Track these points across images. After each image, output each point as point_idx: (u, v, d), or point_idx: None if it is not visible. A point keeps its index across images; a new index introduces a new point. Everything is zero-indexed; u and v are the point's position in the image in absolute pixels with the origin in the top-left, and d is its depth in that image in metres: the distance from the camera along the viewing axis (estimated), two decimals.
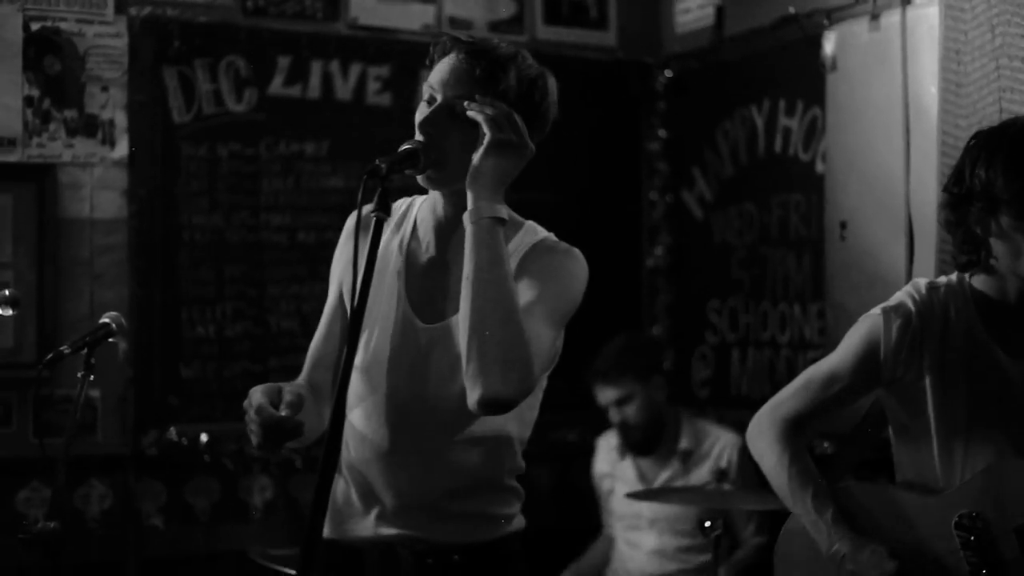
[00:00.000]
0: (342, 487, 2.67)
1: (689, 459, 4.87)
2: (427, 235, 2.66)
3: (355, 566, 2.66)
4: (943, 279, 2.95)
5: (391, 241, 2.69)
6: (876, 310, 2.92)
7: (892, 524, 2.88)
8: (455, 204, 2.59)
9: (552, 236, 2.68)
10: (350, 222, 2.77)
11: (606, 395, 4.87)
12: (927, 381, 2.86)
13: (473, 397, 2.40)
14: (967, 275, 2.92)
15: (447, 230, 2.64)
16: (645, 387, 4.85)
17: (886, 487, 2.98)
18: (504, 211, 2.49)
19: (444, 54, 2.60)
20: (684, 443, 4.90)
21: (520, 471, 2.72)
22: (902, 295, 2.92)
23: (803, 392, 2.98)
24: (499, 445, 2.65)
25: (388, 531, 2.62)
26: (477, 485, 2.64)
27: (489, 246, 2.44)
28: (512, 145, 2.50)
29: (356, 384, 2.62)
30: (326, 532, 2.66)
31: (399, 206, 2.74)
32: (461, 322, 2.43)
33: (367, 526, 2.64)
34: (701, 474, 4.79)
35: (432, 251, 2.66)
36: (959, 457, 2.85)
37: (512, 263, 2.53)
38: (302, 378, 2.76)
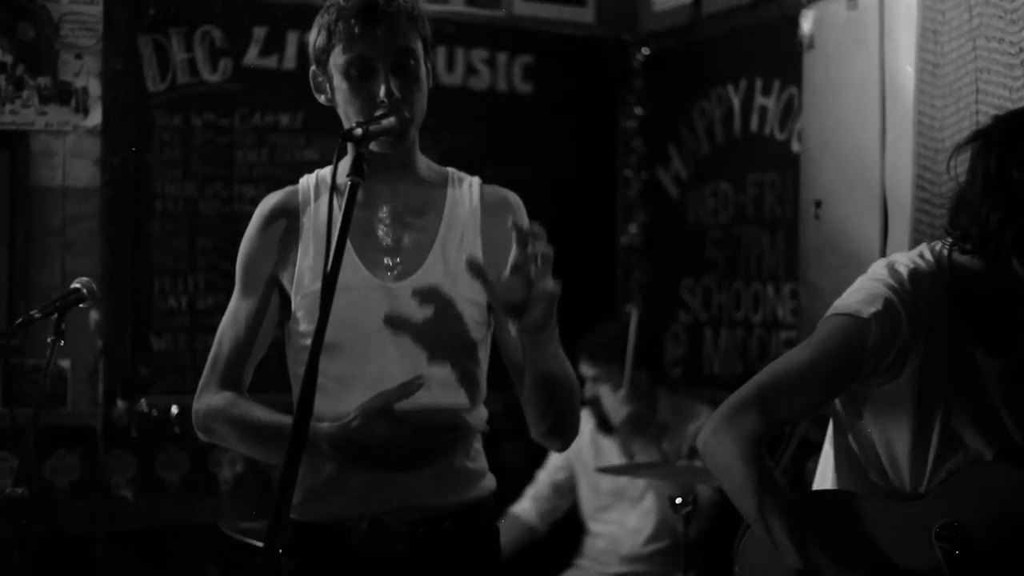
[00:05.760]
0: (314, 466, 2.63)
1: (665, 432, 4.92)
2: (365, 196, 2.62)
3: (339, 545, 2.61)
4: (922, 263, 2.72)
5: (314, 215, 2.68)
6: (861, 311, 2.66)
7: (869, 540, 2.67)
8: (403, 159, 2.66)
9: (483, 183, 2.75)
10: (263, 207, 2.75)
11: (587, 370, 4.90)
12: (907, 385, 2.68)
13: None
14: (946, 251, 2.73)
15: (388, 186, 2.65)
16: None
17: (856, 497, 2.74)
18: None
19: (350, 18, 2.57)
20: (662, 416, 4.95)
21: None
22: (885, 291, 2.66)
23: (769, 399, 2.67)
24: (470, 402, 2.68)
25: (375, 503, 2.59)
26: (455, 442, 2.65)
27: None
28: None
29: (326, 356, 2.57)
30: (304, 516, 2.64)
31: (305, 185, 2.74)
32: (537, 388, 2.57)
33: (351, 502, 2.60)
34: (672, 445, 4.81)
35: (376, 211, 2.66)
36: (931, 459, 2.69)
37: (469, 225, 2.66)
38: (218, 390, 2.69)
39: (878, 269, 2.75)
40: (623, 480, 4.85)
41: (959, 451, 2.69)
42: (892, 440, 2.72)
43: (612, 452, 4.96)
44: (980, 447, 2.70)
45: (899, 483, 2.73)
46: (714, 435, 2.68)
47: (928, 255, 2.74)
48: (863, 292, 2.70)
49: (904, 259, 2.75)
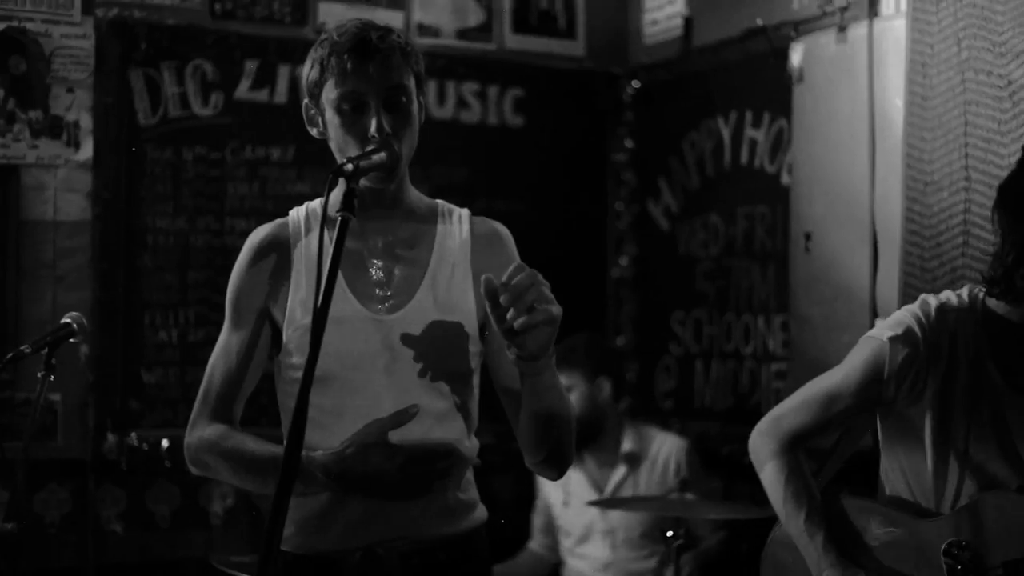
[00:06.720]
0: (306, 497, 2.60)
1: (636, 461, 4.87)
2: (358, 229, 2.61)
3: None
4: (955, 299, 2.96)
5: (305, 248, 2.68)
6: (882, 335, 2.94)
7: (881, 546, 2.91)
8: (394, 193, 2.66)
9: (472, 215, 2.76)
10: (253, 239, 2.74)
11: None
12: (927, 409, 2.90)
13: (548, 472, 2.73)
14: (981, 294, 2.93)
15: (378, 220, 2.65)
16: (588, 384, 4.85)
17: (877, 505, 3.00)
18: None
19: (343, 53, 2.58)
20: (627, 446, 4.89)
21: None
22: (910, 319, 2.94)
23: (804, 409, 3.03)
24: (463, 434, 2.67)
25: (367, 535, 2.58)
26: (449, 472, 2.63)
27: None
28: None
29: (318, 389, 2.55)
30: (296, 548, 2.63)
31: (295, 218, 2.74)
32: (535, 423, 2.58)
33: (343, 533, 2.59)
34: (651, 477, 4.79)
35: (367, 244, 2.66)
36: (953, 483, 2.89)
37: (459, 257, 2.67)
38: (210, 423, 2.68)
39: (916, 302, 3.00)
40: (592, 513, 4.81)
41: (979, 478, 2.87)
42: (915, 461, 2.94)
43: (581, 485, 4.89)
44: (1001, 476, 2.87)
45: (925, 502, 2.94)
46: (759, 436, 3.05)
47: (964, 295, 2.97)
48: (892, 320, 2.98)
49: (942, 295, 2.99)
